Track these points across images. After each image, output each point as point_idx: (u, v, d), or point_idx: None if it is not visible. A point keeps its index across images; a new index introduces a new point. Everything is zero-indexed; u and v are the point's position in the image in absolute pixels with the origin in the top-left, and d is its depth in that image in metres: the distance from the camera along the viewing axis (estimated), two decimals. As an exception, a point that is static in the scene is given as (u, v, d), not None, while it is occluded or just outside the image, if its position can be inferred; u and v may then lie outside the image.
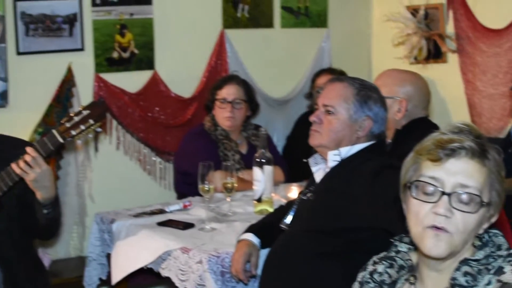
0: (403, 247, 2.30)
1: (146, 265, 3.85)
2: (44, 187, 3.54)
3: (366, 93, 3.32)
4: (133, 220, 4.15)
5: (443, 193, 2.07)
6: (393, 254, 2.31)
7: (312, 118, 3.39)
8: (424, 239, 2.10)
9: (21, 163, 3.48)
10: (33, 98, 5.24)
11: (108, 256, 4.18)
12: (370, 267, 2.34)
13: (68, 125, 3.50)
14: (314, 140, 3.39)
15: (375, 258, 2.36)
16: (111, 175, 5.59)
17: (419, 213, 2.10)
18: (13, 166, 3.50)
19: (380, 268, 2.30)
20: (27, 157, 3.49)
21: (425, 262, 2.18)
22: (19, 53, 5.21)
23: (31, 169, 3.48)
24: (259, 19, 6.18)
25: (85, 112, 3.51)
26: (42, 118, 5.24)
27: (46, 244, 5.22)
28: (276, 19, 6.29)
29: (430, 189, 2.09)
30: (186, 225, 3.96)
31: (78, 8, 5.35)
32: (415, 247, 2.22)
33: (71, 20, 5.34)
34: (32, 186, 3.53)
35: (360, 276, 2.37)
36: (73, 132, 3.50)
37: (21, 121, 5.15)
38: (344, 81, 3.39)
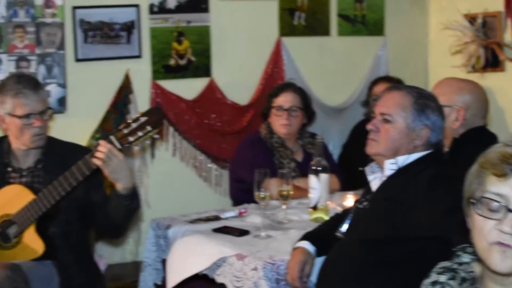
0: (466, 258, 2.25)
1: (201, 271, 3.85)
2: (123, 176, 3.60)
3: (424, 102, 3.29)
4: (189, 226, 4.16)
5: (509, 210, 2.02)
6: (455, 266, 2.26)
7: (369, 127, 3.37)
8: (490, 255, 2.05)
9: (99, 155, 3.53)
10: (91, 104, 5.30)
11: (164, 262, 4.20)
12: (433, 276, 2.30)
13: (125, 131, 3.54)
14: (371, 148, 3.37)
15: (438, 266, 2.32)
16: (167, 181, 5.62)
17: (483, 229, 2.05)
18: (93, 160, 3.56)
19: (442, 278, 2.26)
20: (103, 149, 3.54)
21: (490, 276, 2.13)
22: (77, 60, 5.28)
23: (107, 161, 3.52)
24: (316, 27, 6.18)
25: (143, 119, 3.54)
26: (100, 124, 5.30)
27: (102, 249, 5.27)
28: (333, 27, 6.27)
29: (495, 205, 2.04)
30: (242, 232, 3.96)
31: (136, 16, 5.41)
32: (478, 257, 2.17)
33: (129, 27, 5.39)
34: (111, 177, 3.59)
35: (425, 283, 2.33)
36: (131, 139, 3.54)
37: (79, 126, 5.22)
38: (402, 90, 3.36)
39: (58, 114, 5.15)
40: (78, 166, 3.63)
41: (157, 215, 4.69)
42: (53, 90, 5.18)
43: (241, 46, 5.86)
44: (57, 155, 3.93)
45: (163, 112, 3.65)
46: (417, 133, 3.28)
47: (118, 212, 3.75)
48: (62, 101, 5.22)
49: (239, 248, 3.70)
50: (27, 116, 3.81)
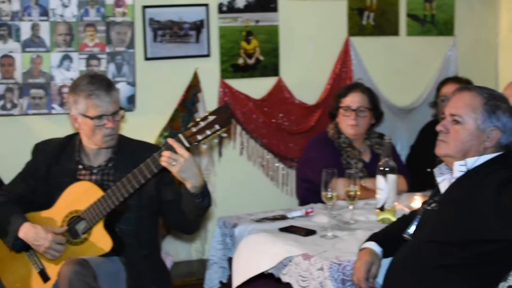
0: None
1: (267, 270, 3.85)
2: (193, 175, 3.61)
3: (495, 103, 3.24)
4: (255, 225, 4.16)
5: None
6: None
7: (438, 128, 3.34)
8: None
9: (166, 155, 3.56)
10: (160, 102, 5.35)
11: (230, 260, 4.21)
12: (511, 280, 2.27)
13: (194, 130, 3.55)
14: (441, 150, 3.33)
15: None
16: (234, 180, 5.64)
17: None
18: (161, 159, 3.59)
19: None
20: (170, 148, 3.57)
21: None
22: (147, 59, 5.34)
23: (175, 160, 3.55)
24: (385, 26, 6.13)
25: (211, 118, 3.55)
26: (168, 122, 5.35)
27: (168, 246, 5.31)
28: (402, 27, 6.22)
29: None
30: (308, 232, 3.95)
31: (205, 15, 5.44)
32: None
33: (198, 26, 5.43)
34: (180, 177, 3.61)
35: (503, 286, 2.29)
36: (199, 137, 3.55)
37: (148, 124, 5.28)
38: (472, 90, 3.31)
39: (127, 112, 5.19)
40: (147, 164, 3.66)
41: (223, 213, 4.71)
42: (122, 88, 5.24)
43: (310, 45, 5.85)
44: (128, 153, 3.97)
45: (231, 111, 3.63)
46: (487, 135, 3.23)
47: (190, 210, 3.77)
48: (131, 99, 5.28)
49: (305, 248, 3.69)
50: (99, 117, 3.85)
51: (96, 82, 3.89)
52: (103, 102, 3.84)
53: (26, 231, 3.80)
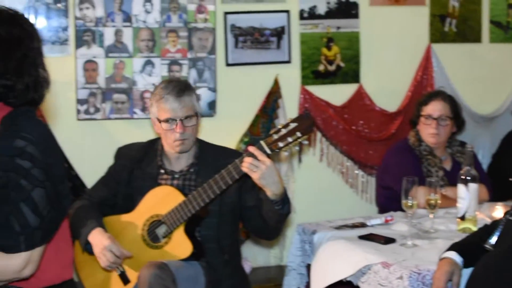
0: None
1: (346, 278, 3.84)
2: (273, 182, 3.62)
3: None
4: (335, 232, 4.15)
5: None
6: None
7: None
8: None
9: (247, 162, 3.58)
10: (240, 108, 5.38)
11: (308, 267, 4.21)
12: None
13: (276, 136, 3.56)
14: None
15: None
16: (313, 186, 5.64)
17: None
18: (242, 165, 3.61)
19: None
20: (252, 155, 3.59)
21: None
22: (228, 65, 5.37)
23: (256, 167, 3.56)
24: (467, 33, 6.06)
25: (293, 125, 3.56)
26: (248, 128, 5.37)
27: (247, 252, 5.33)
28: (485, 34, 6.13)
29: None
30: (388, 240, 3.92)
31: (286, 21, 5.45)
32: None
33: (279, 33, 5.45)
34: (260, 184, 3.62)
35: None
36: (280, 144, 3.56)
37: (228, 130, 5.31)
38: None
39: (208, 117, 5.26)
40: (228, 170, 3.68)
41: (302, 220, 4.71)
42: (203, 94, 5.29)
43: (391, 52, 5.81)
44: (209, 159, 4.00)
45: (313, 119, 3.65)
46: None
47: (270, 217, 3.78)
48: (212, 105, 5.32)
49: (384, 256, 3.66)
50: (167, 121, 3.91)
51: (169, 87, 3.95)
52: (171, 106, 3.90)
53: (94, 236, 3.86)
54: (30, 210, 2.41)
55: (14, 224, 2.41)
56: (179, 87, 3.96)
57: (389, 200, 4.78)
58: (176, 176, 3.99)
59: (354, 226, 4.25)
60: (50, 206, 2.45)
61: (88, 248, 3.90)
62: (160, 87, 3.97)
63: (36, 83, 2.56)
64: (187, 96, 3.94)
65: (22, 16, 2.59)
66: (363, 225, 4.26)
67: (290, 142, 3.55)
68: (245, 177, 3.69)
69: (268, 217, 3.78)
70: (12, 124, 2.47)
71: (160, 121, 3.93)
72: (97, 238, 3.84)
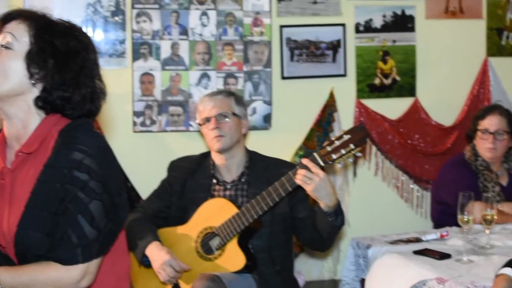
0: None
1: (400, 293, 3.81)
2: (326, 195, 3.62)
3: None
4: (389, 247, 4.12)
5: None
6: None
7: None
8: None
9: (301, 174, 3.58)
10: (295, 121, 5.38)
11: (362, 281, 4.18)
12: None
13: (329, 148, 3.56)
14: None
15: None
16: (368, 200, 5.61)
17: None
18: (296, 178, 3.62)
19: None
20: (305, 167, 3.59)
21: None
22: (283, 78, 5.38)
23: (310, 179, 3.57)
24: (526, 47, 5.99)
25: (346, 137, 3.55)
26: (303, 141, 5.37)
27: (300, 265, 5.31)
28: (543, 47, 6.06)
29: None
30: (443, 255, 3.88)
31: (342, 35, 5.45)
32: None
33: (335, 46, 5.44)
34: (314, 196, 3.63)
35: None
36: (334, 156, 3.56)
37: (283, 143, 5.31)
38: None
39: (263, 130, 5.28)
40: (281, 182, 3.68)
41: (357, 234, 4.68)
42: (258, 107, 5.31)
43: (447, 65, 5.77)
44: (260, 169, 4.02)
45: (366, 131, 3.62)
46: None
47: (323, 228, 3.78)
48: (267, 118, 5.33)
49: (439, 272, 3.62)
50: (204, 120, 4.04)
51: (209, 93, 4.20)
52: (205, 106, 4.07)
53: (152, 250, 3.89)
54: (87, 222, 2.42)
55: (71, 236, 2.42)
56: (216, 91, 4.16)
57: (444, 215, 4.73)
58: (228, 186, 4.02)
59: (408, 241, 4.21)
60: (107, 219, 2.47)
61: (144, 262, 3.93)
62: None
63: (93, 94, 2.58)
64: (221, 96, 4.08)
65: (78, 28, 2.61)
66: (418, 240, 4.22)
67: (344, 154, 3.55)
68: (297, 188, 3.69)
69: (321, 228, 3.78)
70: (69, 136, 2.49)
71: (200, 125, 4.05)
72: (156, 253, 3.86)
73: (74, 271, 2.44)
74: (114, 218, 2.50)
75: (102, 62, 4.97)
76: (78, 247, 2.43)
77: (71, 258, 2.43)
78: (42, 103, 2.51)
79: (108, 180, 2.48)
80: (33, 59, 2.48)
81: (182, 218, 4.02)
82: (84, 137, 2.49)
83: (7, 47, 2.49)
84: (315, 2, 5.43)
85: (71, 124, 2.54)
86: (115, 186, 2.52)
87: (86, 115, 2.59)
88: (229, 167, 4.05)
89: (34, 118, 2.54)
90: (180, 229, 4.00)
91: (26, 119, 2.54)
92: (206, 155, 4.18)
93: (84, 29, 2.65)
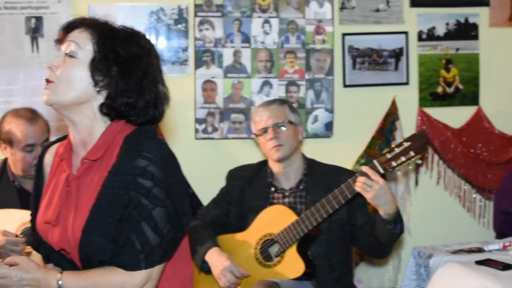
0: None
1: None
2: (386, 202, 3.61)
3: None
4: (451, 256, 4.09)
5: None
6: None
7: None
8: None
9: (360, 181, 3.58)
10: (357, 129, 5.36)
11: (423, 291, 4.16)
12: None
13: (389, 156, 3.55)
14: None
15: None
16: (429, 210, 5.55)
17: None
18: (355, 185, 3.62)
19: None
20: (365, 175, 3.59)
21: None
22: (345, 86, 5.37)
23: (370, 186, 3.56)
24: None
25: (406, 144, 3.55)
26: (365, 150, 5.34)
27: (361, 274, 5.29)
28: None
29: None
30: (506, 266, 3.83)
31: (404, 43, 5.42)
32: None
33: (397, 54, 5.41)
34: (373, 203, 3.62)
35: None
36: (394, 163, 3.55)
37: (344, 151, 5.29)
38: None
39: (325, 138, 5.28)
40: (341, 189, 3.68)
41: (418, 243, 4.65)
42: (320, 115, 5.30)
43: (511, 74, 5.68)
44: (319, 176, 4.02)
45: (427, 138, 3.61)
46: None
47: (382, 235, 3.76)
48: (329, 126, 5.33)
49: (502, 282, 3.59)
50: (260, 131, 4.07)
51: (262, 102, 4.21)
52: (261, 116, 4.06)
53: (211, 256, 3.91)
54: (150, 229, 2.45)
55: (135, 242, 2.45)
56: (269, 100, 4.15)
57: (507, 225, 4.68)
58: (287, 194, 4.03)
59: (471, 251, 4.18)
60: (170, 225, 2.49)
61: (204, 268, 3.95)
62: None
63: (156, 100, 2.60)
64: (275, 105, 4.09)
65: (140, 34, 2.64)
66: (480, 250, 4.19)
67: (404, 161, 3.54)
68: (356, 195, 3.69)
69: (380, 235, 3.77)
70: (134, 143, 2.52)
71: (257, 136, 4.06)
72: (216, 259, 3.89)
73: (137, 277, 2.47)
74: (177, 225, 2.52)
75: (165, 69, 5.03)
76: (141, 253, 2.45)
77: (134, 264, 2.46)
78: (107, 109, 2.55)
79: (171, 187, 2.50)
80: (97, 67, 2.52)
81: (241, 226, 4.04)
82: (149, 144, 2.52)
83: (71, 55, 2.54)
84: (377, 10, 5.41)
85: (136, 131, 2.58)
86: (179, 193, 2.54)
87: (150, 121, 2.62)
88: (287, 175, 4.07)
89: (99, 124, 2.58)
90: (240, 236, 4.02)
91: (91, 126, 2.58)
92: (264, 163, 4.20)
93: (146, 35, 2.68)
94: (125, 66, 2.54)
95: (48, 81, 2.55)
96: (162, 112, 2.66)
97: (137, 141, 2.53)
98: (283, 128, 4.03)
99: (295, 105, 4.99)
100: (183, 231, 2.58)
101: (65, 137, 2.73)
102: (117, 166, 2.49)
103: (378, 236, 3.78)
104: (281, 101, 4.21)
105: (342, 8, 5.36)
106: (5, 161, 4.34)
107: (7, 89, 5.14)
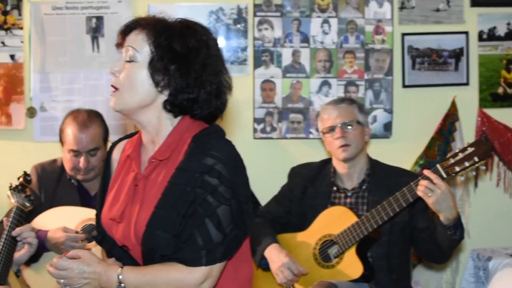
0: None
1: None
2: (447, 207, 3.60)
3: None
4: (510, 259, 4.05)
5: None
6: None
7: None
8: None
9: (423, 185, 3.57)
10: (416, 130, 5.33)
11: (484, 294, 4.13)
12: None
13: (452, 160, 3.53)
14: None
15: None
16: (489, 212, 5.49)
17: None
18: (417, 188, 3.61)
19: None
20: (428, 179, 3.58)
21: None
22: (404, 86, 5.34)
23: (432, 191, 3.55)
24: None
25: (470, 149, 3.52)
26: (424, 151, 5.30)
27: (418, 276, 5.26)
28: None
29: None
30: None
31: (464, 43, 5.36)
32: None
33: (457, 54, 5.36)
34: (434, 208, 3.61)
35: None
36: (457, 169, 3.52)
37: (403, 152, 5.26)
38: None
39: (383, 139, 5.25)
40: (403, 192, 3.67)
41: (477, 245, 4.61)
42: (379, 115, 5.28)
43: None
44: (381, 177, 4.01)
45: (491, 144, 3.60)
46: None
47: (442, 241, 3.74)
48: (387, 126, 5.30)
49: None
50: (327, 129, 4.09)
51: (332, 100, 4.27)
52: (329, 115, 4.06)
53: (270, 250, 3.93)
54: (214, 226, 2.46)
55: (197, 238, 2.47)
56: (339, 99, 4.16)
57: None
58: (349, 194, 4.03)
59: (531, 254, 4.14)
60: (233, 224, 2.50)
61: (262, 264, 3.97)
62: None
63: (219, 90, 2.62)
64: (345, 104, 4.09)
65: (195, 25, 2.63)
66: (540, 253, 4.14)
67: (467, 167, 3.51)
68: (418, 198, 3.67)
69: (440, 241, 3.74)
70: (202, 142, 2.54)
71: (323, 133, 4.06)
72: (275, 255, 3.91)
73: (197, 273, 2.49)
74: (240, 225, 2.53)
75: (224, 69, 5.11)
76: (203, 250, 2.47)
77: (196, 260, 2.48)
78: (170, 106, 2.58)
79: (237, 187, 2.52)
80: (155, 67, 2.55)
81: (301, 224, 4.05)
82: (217, 144, 2.54)
83: (131, 60, 2.57)
84: (437, 10, 5.37)
85: (205, 130, 2.61)
86: (244, 193, 2.56)
87: (213, 113, 2.64)
88: (351, 175, 4.07)
89: (165, 123, 2.62)
90: (299, 236, 4.03)
91: (158, 125, 2.62)
92: (327, 162, 4.20)
93: (204, 26, 2.66)
94: (183, 62, 2.55)
95: (113, 87, 2.60)
96: (225, 102, 2.68)
97: (205, 140, 2.56)
98: (351, 128, 4.04)
99: (354, 105, 4.98)
100: (246, 232, 2.59)
101: (133, 134, 2.77)
102: (185, 164, 2.52)
103: (438, 241, 3.76)
104: (351, 101, 4.21)
105: (402, 7, 5.33)
106: None
107: (68, 88, 5.21)
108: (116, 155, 2.82)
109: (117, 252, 2.70)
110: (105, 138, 4.30)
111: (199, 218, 2.47)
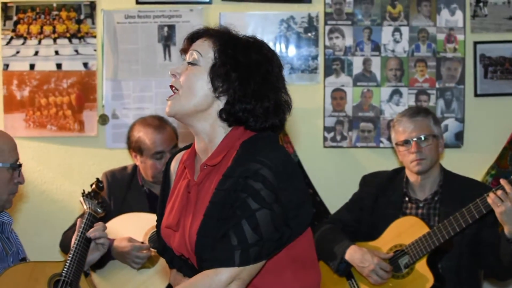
0: None
1: None
2: None
3: None
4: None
5: None
6: None
7: None
8: None
9: (494, 194, 3.53)
10: (488, 140, 5.26)
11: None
12: None
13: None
14: None
15: None
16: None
17: None
18: (489, 195, 3.57)
19: None
20: (502, 188, 3.54)
21: None
22: (476, 95, 5.27)
23: (502, 201, 3.50)
24: None
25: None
26: (495, 161, 5.23)
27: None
28: None
29: None
30: None
31: (539, 51, 5.29)
32: None
33: (531, 63, 5.29)
34: (500, 218, 3.57)
35: None
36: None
37: (474, 162, 5.20)
38: None
39: (455, 148, 5.19)
40: (476, 204, 3.63)
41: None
42: (450, 124, 5.22)
43: None
44: (454, 188, 3.97)
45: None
46: None
47: (504, 255, 3.69)
48: (459, 136, 5.24)
49: None
50: (402, 143, 4.06)
51: (405, 111, 4.19)
52: (405, 127, 4.00)
53: (353, 253, 3.92)
54: (250, 227, 2.42)
55: (232, 237, 2.44)
56: (414, 110, 4.10)
57: None
58: (421, 205, 3.99)
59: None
60: (273, 228, 2.45)
61: (341, 268, 3.96)
62: (399, 112, 4.08)
63: (276, 107, 2.61)
64: (421, 117, 4.02)
65: (260, 42, 2.66)
66: None
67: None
68: (490, 211, 3.63)
69: (502, 254, 3.69)
70: (250, 147, 2.54)
71: (397, 145, 4.02)
72: (359, 258, 3.91)
73: (223, 275, 2.44)
74: (282, 229, 2.48)
75: (295, 77, 5.14)
76: (237, 250, 2.43)
77: (228, 259, 2.44)
78: (225, 115, 2.58)
79: (283, 192, 2.47)
80: (216, 73, 2.56)
81: (371, 233, 4.03)
82: (264, 149, 2.53)
83: (193, 63, 2.60)
84: (510, 18, 5.30)
85: (254, 136, 2.60)
86: (293, 199, 2.50)
87: (270, 128, 2.63)
88: (424, 186, 4.03)
89: (219, 131, 2.62)
90: (370, 245, 4.01)
91: (212, 133, 2.62)
92: (398, 171, 4.18)
93: (268, 44, 2.69)
94: (244, 72, 2.56)
95: (172, 87, 2.64)
96: (283, 120, 2.65)
97: (253, 145, 2.55)
98: (427, 142, 4.00)
99: (425, 114, 4.94)
100: (289, 237, 2.53)
101: (190, 146, 2.79)
102: (231, 169, 2.52)
103: (500, 255, 3.71)
104: (426, 112, 4.15)
105: (474, 16, 5.27)
106: (136, 166, 4.47)
107: (139, 95, 5.27)
108: (174, 166, 2.83)
109: (177, 262, 2.71)
110: (177, 137, 4.38)
111: (237, 219, 2.44)
